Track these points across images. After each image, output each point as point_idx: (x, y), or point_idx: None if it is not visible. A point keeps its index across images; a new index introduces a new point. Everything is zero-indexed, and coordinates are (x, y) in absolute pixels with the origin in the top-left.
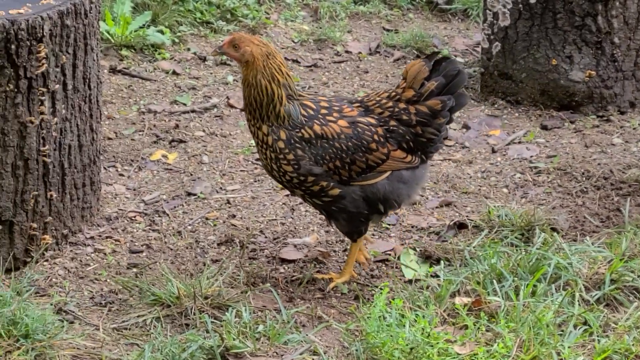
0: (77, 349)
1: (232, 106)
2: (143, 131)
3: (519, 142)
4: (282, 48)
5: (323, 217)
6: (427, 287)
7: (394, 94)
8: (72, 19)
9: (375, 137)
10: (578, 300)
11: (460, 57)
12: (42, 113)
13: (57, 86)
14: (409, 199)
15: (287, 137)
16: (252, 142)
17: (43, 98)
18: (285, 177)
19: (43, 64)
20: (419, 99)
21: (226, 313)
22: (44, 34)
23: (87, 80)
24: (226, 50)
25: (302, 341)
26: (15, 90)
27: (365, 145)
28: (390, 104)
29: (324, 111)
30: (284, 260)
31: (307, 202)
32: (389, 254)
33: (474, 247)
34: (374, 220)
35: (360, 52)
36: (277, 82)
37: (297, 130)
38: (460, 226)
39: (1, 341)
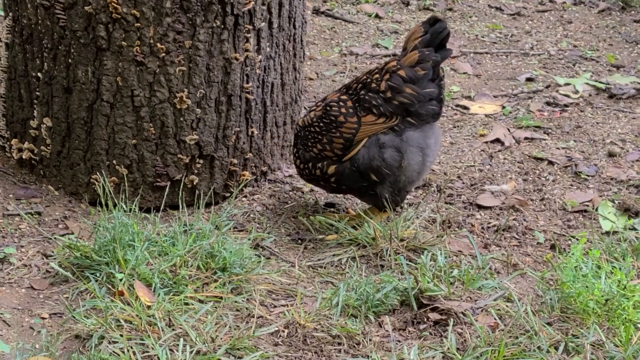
0: (273, 284)
1: None
2: (344, 73)
3: None
4: None
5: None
6: (625, 240)
7: (381, 66)
8: None
9: (343, 110)
10: None
11: None
12: (247, 50)
13: (263, 24)
14: (403, 162)
15: (294, 138)
16: (453, 88)
17: (248, 35)
18: (304, 172)
19: (250, 1)
20: (403, 55)
21: (421, 256)
22: None
23: (292, 20)
24: None
25: (496, 287)
26: (222, 26)
27: (334, 121)
28: (365, 77)
29: (313, 107)
30: (480, 207)
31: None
32: (587, 205)
33: None
34: (381, 191)
35: (564, 2)
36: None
37: (297, 131)
38: None
39: (199, 273)
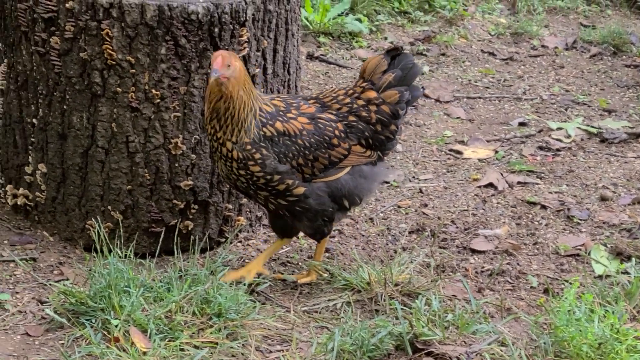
0: (268, 329)
1: (427, 96)
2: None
3: None
4: (479, 40)
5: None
6: (617, 284)
7: (351, 91)
8: (275, 4)
9: (337, 132)
10: None
11: None
12: None
13: (258, 70)
14: (369, 195)
15: (251, 140)
16: (447, 132)
17: (250, 82)
18: (253, 178)
19: (245, 47)
20: (377, 91)
21: (416, 300)
22: (247, 18)
23: (287, 65)
24: (222, 72)
25: (490, 332)
26: None
27: (327, 141)
28: (348, 100)
29: (282, 109)
30: (474, 251)
31: (268, 206)
32: (580, 249)
33: None
34: (336, 219)
35: (556, 47)
36: (253, 95)
37: (259, 129)
38: None
39: (195, 319)
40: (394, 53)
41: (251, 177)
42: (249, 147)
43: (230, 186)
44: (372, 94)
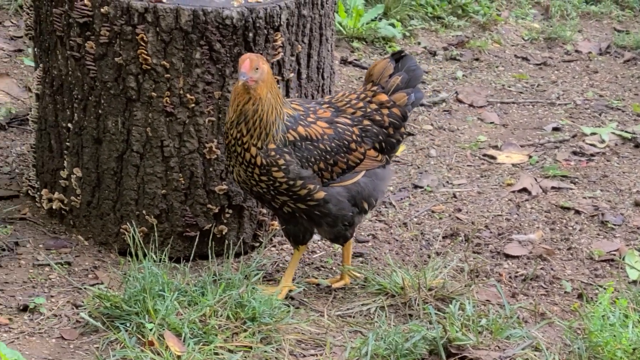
0: (302, 333)
1: (460, 101)
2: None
3: None
4: (512, 45)
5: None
6: None
7: (363, 95)
8: (309, 9)
9: (354, 136)
10: None
11: None
12: None
13: (292, 75)
14: (382, 196)
15: (275, 146)
16: (481, 137)
17: (277, 86)
18: (275, 184)
19: (279, 52)
20: (387, 94)
21: (450, 305)
22: (281, 22)
23: (321, 70)
24: (250, 76)
25: (524, 337)
26: None
27: (346, 145)
28: (361, 104)
29: (302, 113)
30: (508, 256)
31: (282, 210)
32: (614, 254)
33: None
34: (356, 222)
35: (590, 52)
36: (280, 99)
37: (282, 135)
38: None
39: (229, 323)
40: (397, 56)
41: (273, 183)
42: (273, 153)
43: (243, 190)
44: (384, 97)
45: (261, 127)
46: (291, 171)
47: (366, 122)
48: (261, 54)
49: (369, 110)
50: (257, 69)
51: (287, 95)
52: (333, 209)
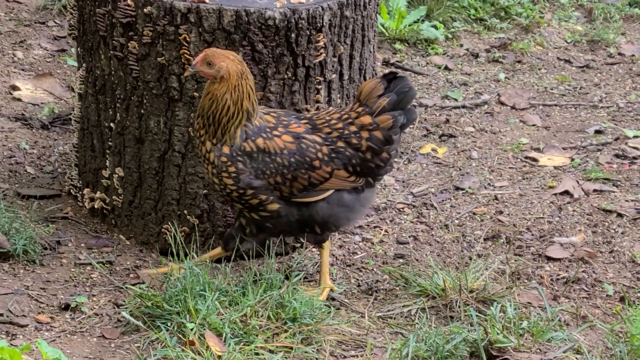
0: (343, 334)
1: (502, 103)
2: (414, 124)
3: None
4: (555, 48)
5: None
6: None
7: (346, 116)
8: (352, 10)
9: (319, 154)
10: None
11: None
12: (317, 101)
13: (334, 76)
14: (348, 223)
15: (229, 152)
16: (522, 140)
17: (319, 87)
18: (226, 190)
19: (321, 53)
20: (372, 115)
21: (491, 307)
22: (324, 24)
23: (363, 72)
24: (200, 69)
25: (565, 339)
26: (293, 78)
27: (308, 162)
28: (340, 125)
29: (270, 125)
30: (549, 259)
31: (241, 217)
32: None
33: None
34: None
35: (633, 55)
36: (241, 104)
37: (239, 144)
38: None
39: (270, 323)
40: (390, 76)
41: (224, 188)
42: (224, 159)
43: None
44: (367, 120)
45: (214, 124)
46: (242, 180)
47: (340, 143)
48: (303, 55)
49: (346, 132)
50: (209, 64)
51: (329, 96)
52: (283, 225)
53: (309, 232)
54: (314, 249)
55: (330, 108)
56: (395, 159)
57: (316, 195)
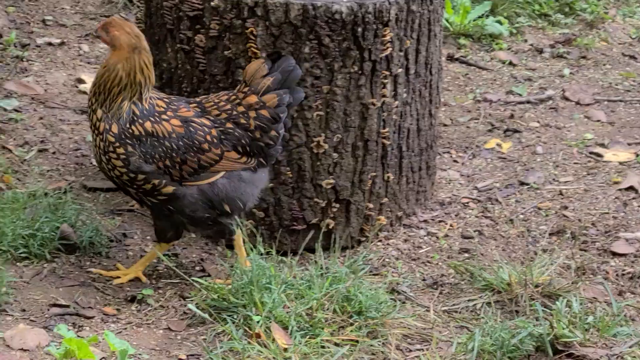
0: (408, 328)
1: (567, 99)
2: (478, 119)
3: None
4: (619, 44)
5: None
6: None
7: (233, 97)
8: (418, 5)
9: (208, 137)
10: None
11: None
12: (383, 96)
13: (400, 70)
14: (252, 200)
15: (118, 132)
16: (587, 135)
17: (385, 81)
18: (115, 172)
19: (387, 47)
20: (257, 95)
21: (556, 302)
22: (390, 18)
23: (429, 66)
24: (99, 33)
25: (631, 334)
26: (360, 72)
27: (197, 145)
28: (229, 106)
29: (160, 109)
30: (614, 254)
31: (143, 203)
32: None
33: None
34: (225, 222)
35: None
36: (133, 78)
37: (128, 126)
38: None
39: (335, 316)
40: (274, 57)
41: (113, 170)
42: (112, 138)
43: (104, 174)
44: (253, 99)
45: (104, 93)
46: (132, 163)
47: (229, 124)
48: (369, 49)
49: (234, 113)
50: (107, 32)
51: (395, 91)
52: (186, 209)
53: (220, 215)
54: (379, 243)
55: (220, 92)
56: (283, 140)
57: (206, 179)
